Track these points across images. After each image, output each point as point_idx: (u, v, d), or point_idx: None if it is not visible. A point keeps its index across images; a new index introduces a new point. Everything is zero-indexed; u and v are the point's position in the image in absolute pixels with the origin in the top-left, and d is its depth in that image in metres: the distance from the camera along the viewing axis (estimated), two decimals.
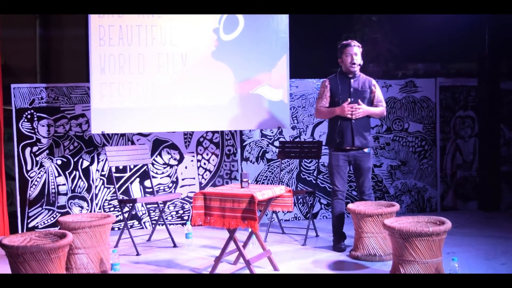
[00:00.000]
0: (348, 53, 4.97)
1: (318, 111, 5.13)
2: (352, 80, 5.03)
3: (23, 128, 5.91)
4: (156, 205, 6.07)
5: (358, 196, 5.15)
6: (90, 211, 6.00)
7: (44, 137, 5.96)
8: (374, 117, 5.16)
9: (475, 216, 6.52)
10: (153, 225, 5.64)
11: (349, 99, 4.94)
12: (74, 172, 6.01)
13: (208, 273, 4.25)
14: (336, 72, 5.11)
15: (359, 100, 4.95)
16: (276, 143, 6.38)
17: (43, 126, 5.95)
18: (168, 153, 6.20)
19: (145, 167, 5.92)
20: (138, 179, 6.12)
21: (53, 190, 5.97)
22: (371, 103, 5.07)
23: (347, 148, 4.98)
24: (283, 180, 6.42)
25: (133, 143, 6.09)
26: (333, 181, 5.05)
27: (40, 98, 5.95)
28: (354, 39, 7.79)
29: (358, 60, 4.99)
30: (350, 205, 4.79)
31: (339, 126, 4.96)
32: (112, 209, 6.06)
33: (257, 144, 6.41)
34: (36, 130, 5.94)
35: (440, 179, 6.86)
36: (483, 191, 6.81)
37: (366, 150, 5.03)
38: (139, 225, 6.14)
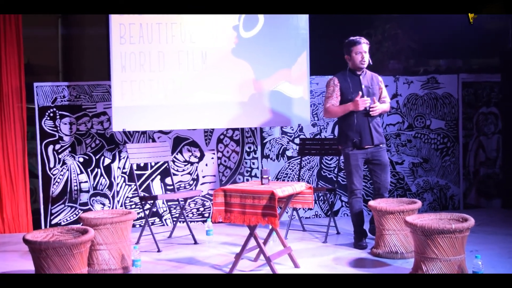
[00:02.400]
0: (358, 51, 4.90)
1: (328, 111, 4.98)
2: (361, 77, 4.98)
3: (45, 126, 5.98)
4: (177, 202, 6.10)
5: (375, 193, 5.09)
6: (112, 208, 6.05)
7: (66, 135, 6.02)
8: (382, 113, 5.16)
9: (498, 214, 6.43)
10: (174, 222, 5.67)
11: (360, 93, 4.87)
12: (96, 169, 6.06)
13: (228, 269, 4.25)
14: (342, 69, 5.05)
15: (374, 98, 4.93)
16: (297, 141, 6.36)
17: (65, 124, 6.02)
18: (189, 150, 6.22)
19: (166, 164, 5.95)
20: (159, 177, 6.15)
21: (75, 188, 6.03)
22: (378, 99, 5.05)
23: (366, 146, 4.95)
24: (304, 178, 6.40)
25: (154, 140, 6.13)
26: (352, 180, 4.98)
27: (62, 97, 6.01)
28: (375, 35, 7.77)
29: (367, 58, 4.93)
30: (371, 202, 4.75)
31: (356, 125, 4.90)
32: (133, 206, 6.10)
33: (277, 141, 6.39)
34: (58, 128, 6.00)
35: (462, 176, 6.77)
36: (507, 188, 6.71)
37: (381, 145, 5.01)
38: (160, 222, 6.18)
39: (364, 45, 4.91)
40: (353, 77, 4.97)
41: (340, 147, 5.09)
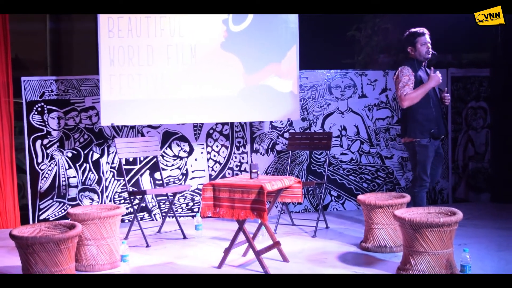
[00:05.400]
0: (424, 42, 4.93)
1: (411, 96, 4.81)
2: (426, 69, 5.02)
3: (33, 121, 5.93)
4: (166, 197, 6.08)
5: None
6: (101, 203, 6.02)
7: (54, 130, 5.97)
8: None
9: (487, 208, 6.47)
10: (163, 217, 5.65)
11: (438, 72, 4.94)
12: (85, 164, 6.02)
13: (217, 264, 4.24)
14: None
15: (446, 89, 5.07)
16: (286, 135, 6.35)
17: (53, 118, 5.97)
18: (178, 145, 6.19)
19: (155, 159, 5.92)
20: (148, 171, 6.12)
21: (64, 183, 5.99)
22: None
23: (442, 136, 5.01)
24: (293, 172, 6.40)
25: (142, 135, 6.09)
26: (426, 172, 4.85)
27: (50, 91, 5.96)
28: (365, 29, 7.76)
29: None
30: (360, 197, 4.76)
31: (434, 115, 4.86)
32: (122, 201, 6.08)
33: (267, 136, 6.38)
34: (46, 122, 5.95)
35: (451, 170, 6.79)
36: (496, 182, 6.74)
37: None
38: (149, 217, 6.15)
39: (427, 36, 4.96)
40: (421, 69, 4.98)
41: (414, 139, 4.88)
